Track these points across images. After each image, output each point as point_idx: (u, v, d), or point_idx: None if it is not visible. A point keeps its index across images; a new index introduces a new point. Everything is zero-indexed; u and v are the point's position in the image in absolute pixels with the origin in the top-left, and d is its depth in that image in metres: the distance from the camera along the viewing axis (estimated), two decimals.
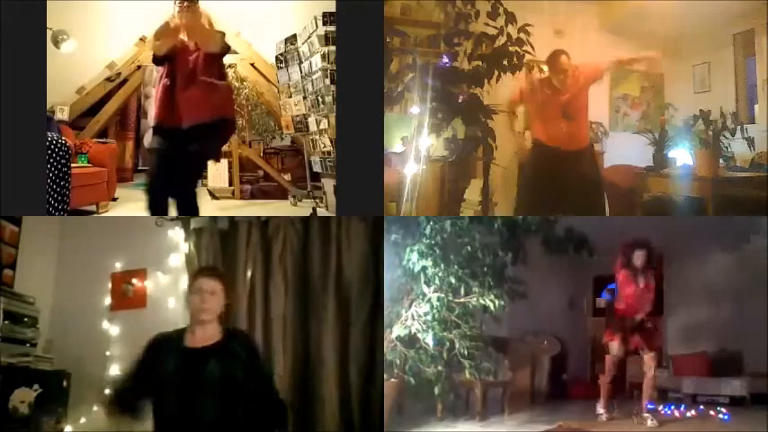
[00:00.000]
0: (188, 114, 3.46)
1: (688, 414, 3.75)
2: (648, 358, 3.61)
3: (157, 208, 3.50)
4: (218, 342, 2.25)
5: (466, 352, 3.21)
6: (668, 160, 4.89)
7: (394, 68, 4.51)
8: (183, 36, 3.53)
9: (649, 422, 3.51)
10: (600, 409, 3.70)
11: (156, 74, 3.68)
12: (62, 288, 3.88)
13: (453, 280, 3.19)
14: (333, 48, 4.74)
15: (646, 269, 3.61)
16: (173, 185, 3.52)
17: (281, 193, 6.74)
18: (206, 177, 7.00)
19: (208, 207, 6.02)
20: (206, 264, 3.27)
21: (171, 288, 3.53)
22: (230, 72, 6.44)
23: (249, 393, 2.19)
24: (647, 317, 3.64)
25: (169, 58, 3.51)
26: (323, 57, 4.91)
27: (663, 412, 3.83)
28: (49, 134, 3.90)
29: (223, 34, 3.69)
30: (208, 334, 2.26)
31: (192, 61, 3.49)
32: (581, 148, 4.22)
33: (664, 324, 4.55)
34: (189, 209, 3.54)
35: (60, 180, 3.97)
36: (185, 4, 3.50)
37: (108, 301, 3.73)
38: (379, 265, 3.16)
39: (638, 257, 3.59)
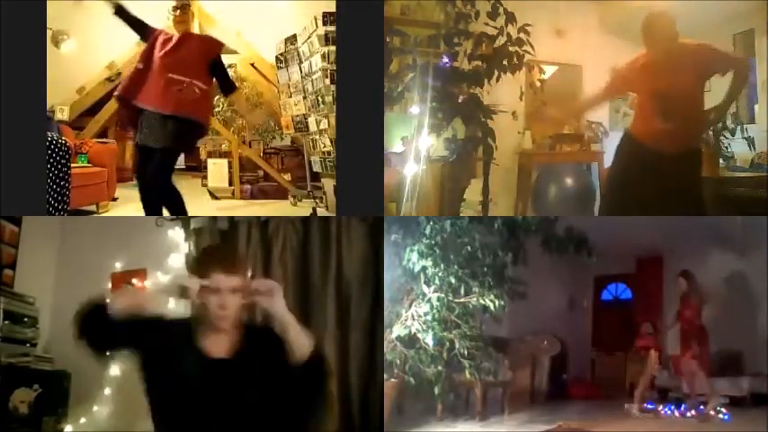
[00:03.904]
0: (148, 98, 3.67)
1: (688, 414, 3.75)
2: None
3: (147, 201, 3.69)
4: (238, 351, 1.91)
5: (466, 352, 3.21)
6: None
7: (394, 68, 4.50)
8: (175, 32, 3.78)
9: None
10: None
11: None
12: (62, 288, 3.88)
13: (453, 280, 3.19)
14: (333, 48, 4.74)
15: (690, 293, 4.02)
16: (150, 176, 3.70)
17: (281, 193, 6.75)
18: (206, 177, 7.02)
19: (208, 207, 6.02)
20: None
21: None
22: (230, 72, 6.45)
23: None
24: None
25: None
26: (323, 57, 4.91)
27: (663, 412, 3.84)
28: (49, 134, 3.90)
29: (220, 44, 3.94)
30: (226, 342, 1.90)
31: (170, 52, 3.67)
32: (679, 152, 3.35)
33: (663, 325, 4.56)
34: (167, 199, 3.68)
35: (60, 180, 3.97)
36: (178, 13, 3.76)
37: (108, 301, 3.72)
38: (379, 265, 3.16)
39: (681, 285, 4.01)
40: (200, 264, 1.95)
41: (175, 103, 3.63)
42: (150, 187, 3.72)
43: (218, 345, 1.91)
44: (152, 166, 3.68)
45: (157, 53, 3.69)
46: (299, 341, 1.86)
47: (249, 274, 1.99)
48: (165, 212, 3.67)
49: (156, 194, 3.68)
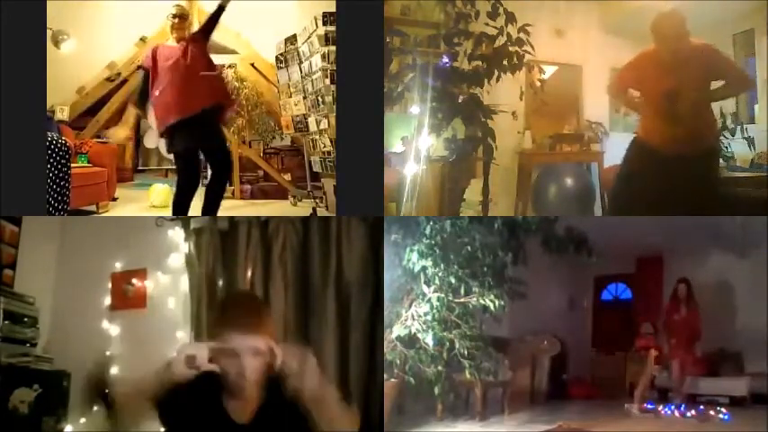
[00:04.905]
0: (186, 107, 3.84)
1: (688, 414, 3.75)
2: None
3: (184, 207, 3.87)
4: (259, 409, 1.74)
5: (466, 352, 3.21)
6: None
7: (394, 68, 4.50)
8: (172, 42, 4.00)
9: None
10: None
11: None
12: (62, 288, 3.88)
13: (453, 280, 3.19)
14: (333, 48, 4.74)
15: (688, 299, 4.25)
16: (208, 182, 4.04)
17: (281, 193, 6.75)
18: (206, 177, 7.01)
19: None
20: (207, 267, 3.25)
21: (171, 288, 3.53)
22: (230, 72, 6.46)
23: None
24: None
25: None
26: (323, 57, 4.91)
27: (663, 412, 3.84)
28: (48, 134, 3.90)
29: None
30: (250, 408, 1.74)
31: (183, 59, 3.87)
32: (695, 153, 3.31)
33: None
34: (218, 200, 4.01)
35: (60, 180, 3.97)
36: (177, 21, 3.94)
37: (108, 301, 3.73)
38: (379, 265, 3.15)
39: (682, 290, 4.24)
40: (218, 323, 1.74)
41: (204, 97, 3.87)
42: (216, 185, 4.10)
43: (240, 410, 1.74)
44: (217, 167, 4.08)
45: (164, 64, 3.87)
46: (338, 421, 1.64)
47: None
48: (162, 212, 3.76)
49: (192, 192, 3.95)
